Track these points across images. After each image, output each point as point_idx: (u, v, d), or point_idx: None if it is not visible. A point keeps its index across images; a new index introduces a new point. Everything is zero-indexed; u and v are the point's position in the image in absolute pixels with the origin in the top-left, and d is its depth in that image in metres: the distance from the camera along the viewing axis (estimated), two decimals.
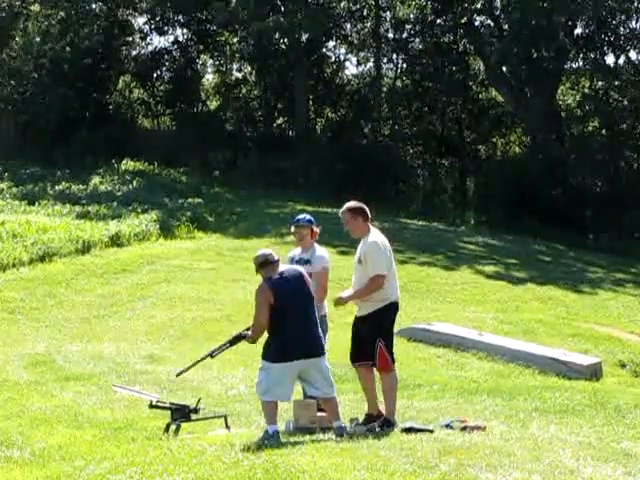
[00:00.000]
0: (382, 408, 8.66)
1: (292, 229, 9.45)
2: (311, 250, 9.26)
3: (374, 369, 8.62)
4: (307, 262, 9.15)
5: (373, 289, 8.48)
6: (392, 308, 8.73)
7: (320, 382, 8.16)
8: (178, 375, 9.18)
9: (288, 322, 8.02)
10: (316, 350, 8.17)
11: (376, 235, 8.71)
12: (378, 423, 8.45)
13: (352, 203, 8.85)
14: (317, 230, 9.38)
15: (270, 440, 7.77)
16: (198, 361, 9.02)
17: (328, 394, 8.22)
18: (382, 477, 6.43)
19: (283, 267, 8.36)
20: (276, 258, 8.30)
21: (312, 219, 9.40)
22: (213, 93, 42.51)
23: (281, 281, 8.15)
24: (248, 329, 8.45)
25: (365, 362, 8.56)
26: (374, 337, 8.54)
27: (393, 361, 8.68)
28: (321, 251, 9.32)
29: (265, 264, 8.24)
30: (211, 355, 8.85)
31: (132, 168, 33.12)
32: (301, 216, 9.43)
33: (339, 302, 8.67)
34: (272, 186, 32.75)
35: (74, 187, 29.51)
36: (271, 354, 8.03)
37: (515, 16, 32.73)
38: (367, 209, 8.77)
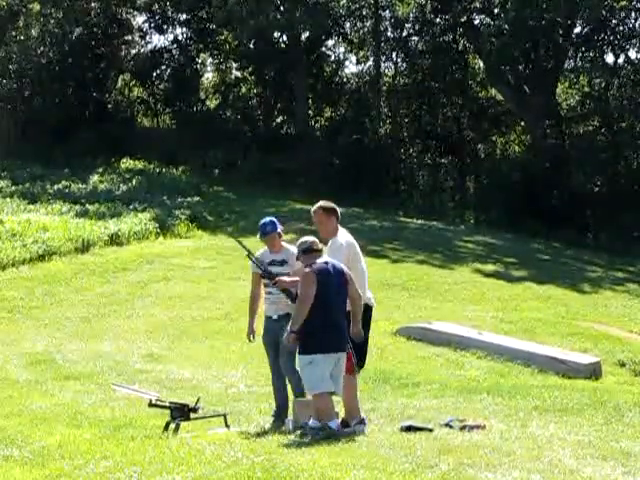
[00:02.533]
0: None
1: (258, 237, 9.27)
2: (285, 250, 9.13)
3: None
4: (284, 263, 9.03)
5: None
6: (368, 312, 8.72)
7: (339, 376, 8.22)
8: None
9: (328, 311, 8.09)
10: (345, 345, 8.26)
11: (343, 236, 8.67)
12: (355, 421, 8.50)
13: (325, 202, 8.87)
14: (281, 228, 9.23)
15: (336, 436, 7.81)
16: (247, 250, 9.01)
17: (339, 390, 8.29)
18: (381, 476, 6.43)
19: (326, 258, 8.37)
20: (320, 247, 8.38)
21: (275, 223, 9.16)
22: (212, 92, 42.50)
23: (325, 269, 8.19)
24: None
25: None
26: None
27: (360, 365, 8.64)
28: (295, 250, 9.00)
29: (309, 251, 8.31)
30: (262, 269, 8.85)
31: (132, 167, 33.10)
32: (266, 221, 9.16)
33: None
34: (271, 185, 32.74)
35: (74, 186, 29.48)
36: (312, 345, 8.08)
37: (512, 15, 32.71)
38: (338, 210, 8.77)
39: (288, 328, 8.23)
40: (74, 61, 36.51)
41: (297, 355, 8.27)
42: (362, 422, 8.44)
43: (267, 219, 9.23)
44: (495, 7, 35.90)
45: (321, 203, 8.83)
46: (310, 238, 8.50)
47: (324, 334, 8.07)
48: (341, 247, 8.54)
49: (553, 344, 15.10)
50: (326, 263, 8.26)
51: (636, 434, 8.53)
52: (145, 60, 40.15)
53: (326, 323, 8.08)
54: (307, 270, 8.19)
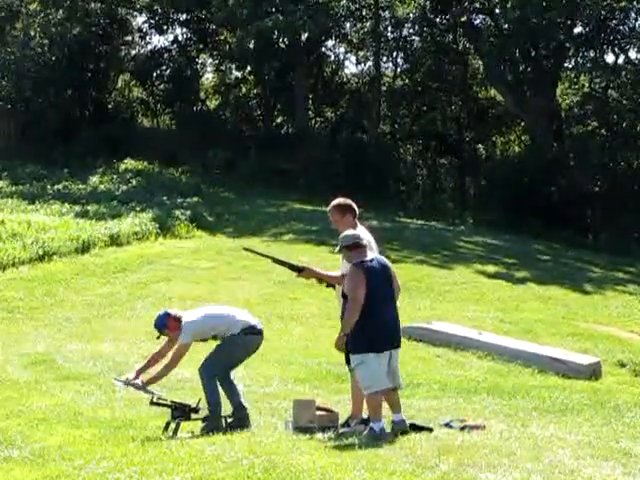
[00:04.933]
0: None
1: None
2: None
3: None
4: None
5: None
6: None
7: (395, 372, 8.22)
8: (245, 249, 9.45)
9: (378, 308, 8.00)
10: (399, 340, 8.26)
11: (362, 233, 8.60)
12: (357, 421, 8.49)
13: (340, 200, 8.81)
14: (176, 318, 8.89)
15: (379, 438, 7.77)
16: (267, 255, 9.18)
17: (400, 385, 8.33)
18: (382, 476, 6.43)
19: (372, 254, 8.26)
20: (365, 242, 8.22)
21: (161, 321, 8.96)
22: (212, 92, 42.53)
23: (373, 266, 8.10)
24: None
25: None
26: None
27: None
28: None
29: (353, 247, 8.13)
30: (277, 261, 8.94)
31: (132, 167, 33.08)
32: (158, 316, 9.03)
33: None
34: (271, 185, 32.75)
35: (74, 186, 29.49)
36: (365, 344, 8.02)
37: (512, 15, 32.73)
38: (355, 206, 8.74)
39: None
40: (74, 61, 36.51)
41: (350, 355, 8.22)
42: (363, 422, 8.44)
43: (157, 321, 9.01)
44: (495, 7, 35.90)
45: (335, 201, 8.74)
46: (352, 232, 8.26)
47: (375, 333, 7.99)
48: None
49: (553, 344, 15.09)
50: (371, 260, 8.14)
51: (636, 434, 8.53)
52: (145, 60, 40.20)
53: (377, 321, 7.99)
54: (355, 270, 8.03)
